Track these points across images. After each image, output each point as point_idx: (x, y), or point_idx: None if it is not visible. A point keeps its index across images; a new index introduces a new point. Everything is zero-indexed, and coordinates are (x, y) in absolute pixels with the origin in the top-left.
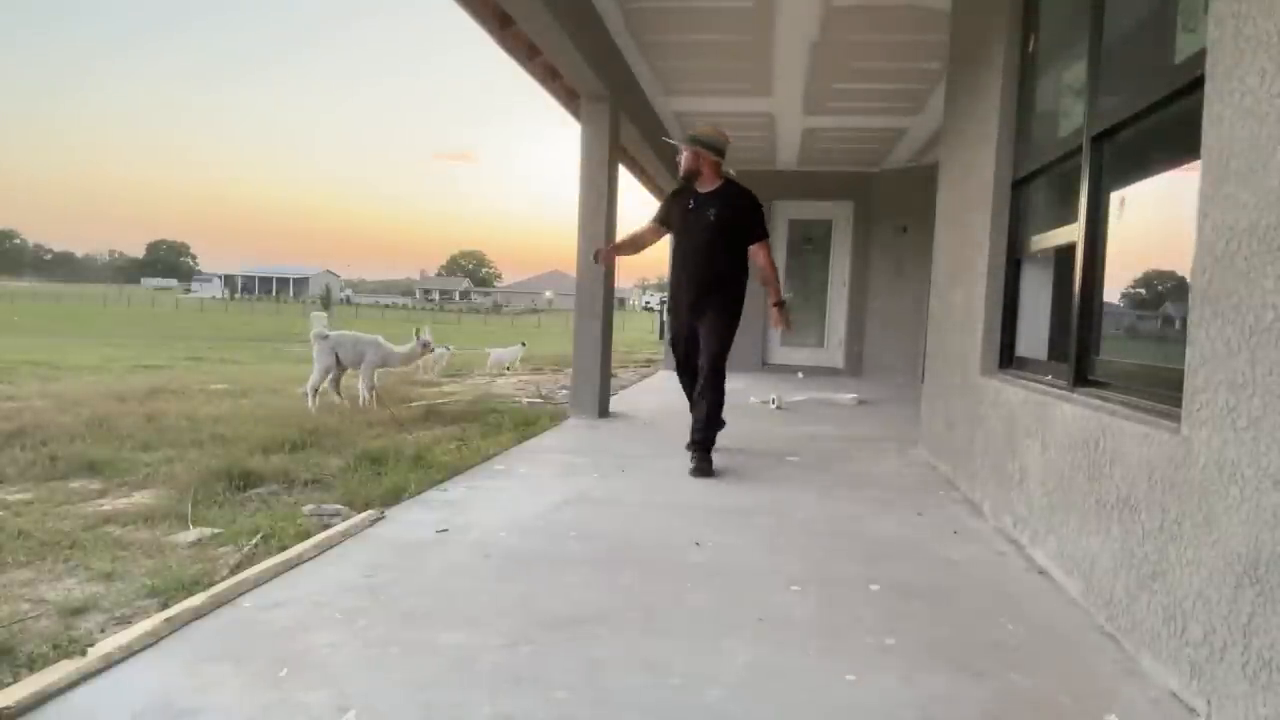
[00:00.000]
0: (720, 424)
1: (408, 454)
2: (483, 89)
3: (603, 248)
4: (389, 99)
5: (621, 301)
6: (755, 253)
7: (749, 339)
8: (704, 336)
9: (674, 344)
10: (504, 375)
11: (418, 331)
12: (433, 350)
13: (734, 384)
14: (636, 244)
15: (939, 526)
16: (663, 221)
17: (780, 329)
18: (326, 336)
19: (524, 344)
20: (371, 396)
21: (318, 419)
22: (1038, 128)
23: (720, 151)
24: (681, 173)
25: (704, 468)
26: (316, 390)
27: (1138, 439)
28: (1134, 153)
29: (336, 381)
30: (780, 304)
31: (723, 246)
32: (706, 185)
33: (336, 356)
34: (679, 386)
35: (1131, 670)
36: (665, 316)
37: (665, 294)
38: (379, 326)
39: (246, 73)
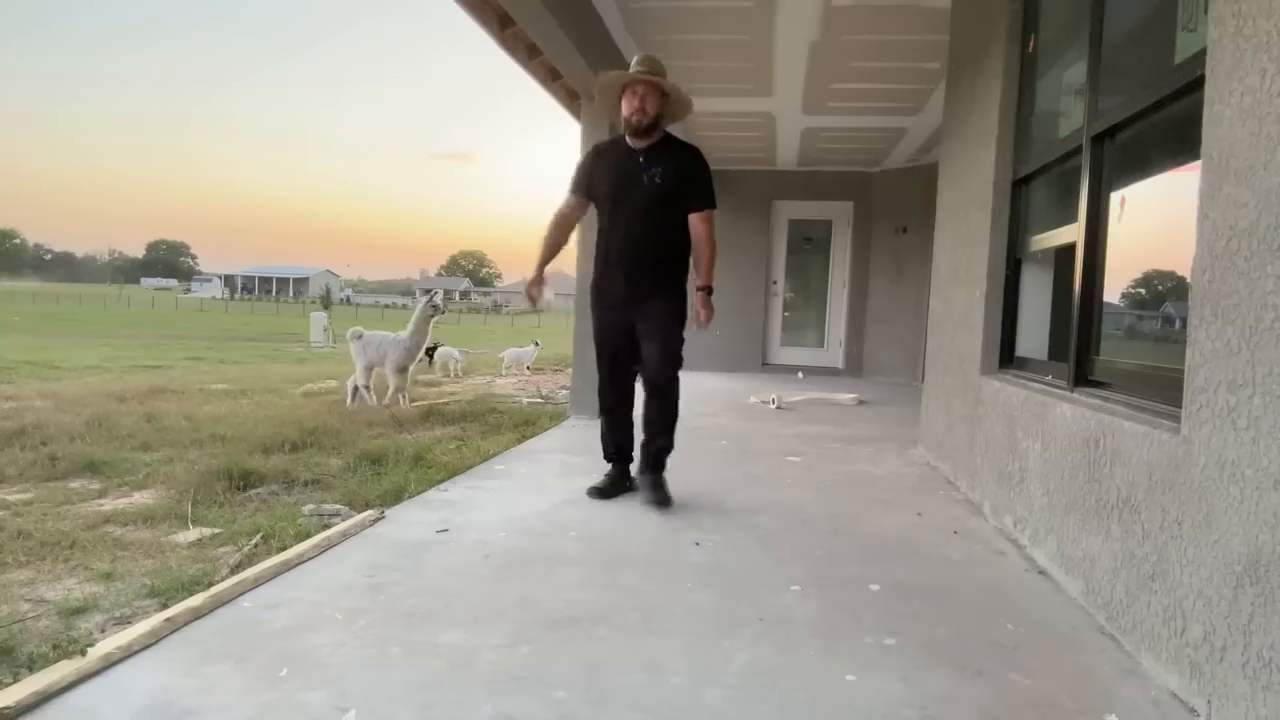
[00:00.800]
0: (670, 444)
1: (408, 454)
2: (483, 89)
3: (530, 285)
4: (389, 99)
5: None
6: (696, 223)
7: (749, 338)
8: (651, 337)
9: (603, 347)
10: (504, 375)
11: (430, 295)
12: (443, 311)
13: (734, 384)
14: (560, 240)
15: (939, 526)
16: (584, 191)
17: (701, 324)
18: (361, 335)
19: (537, 343)
20: (393, 395)
21: (318, 419)
22: (1038, 127)
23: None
24: (645, 121)
25: (662, 496)
26: (357, 387)
27: (1138, 439)
28: (1134, 153)
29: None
30: (708, 290)
31: (669, 219)
32: (645, 139)
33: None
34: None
35: (1131, 670)
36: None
37: None
38: (379, 326)
39: (247, 73)
